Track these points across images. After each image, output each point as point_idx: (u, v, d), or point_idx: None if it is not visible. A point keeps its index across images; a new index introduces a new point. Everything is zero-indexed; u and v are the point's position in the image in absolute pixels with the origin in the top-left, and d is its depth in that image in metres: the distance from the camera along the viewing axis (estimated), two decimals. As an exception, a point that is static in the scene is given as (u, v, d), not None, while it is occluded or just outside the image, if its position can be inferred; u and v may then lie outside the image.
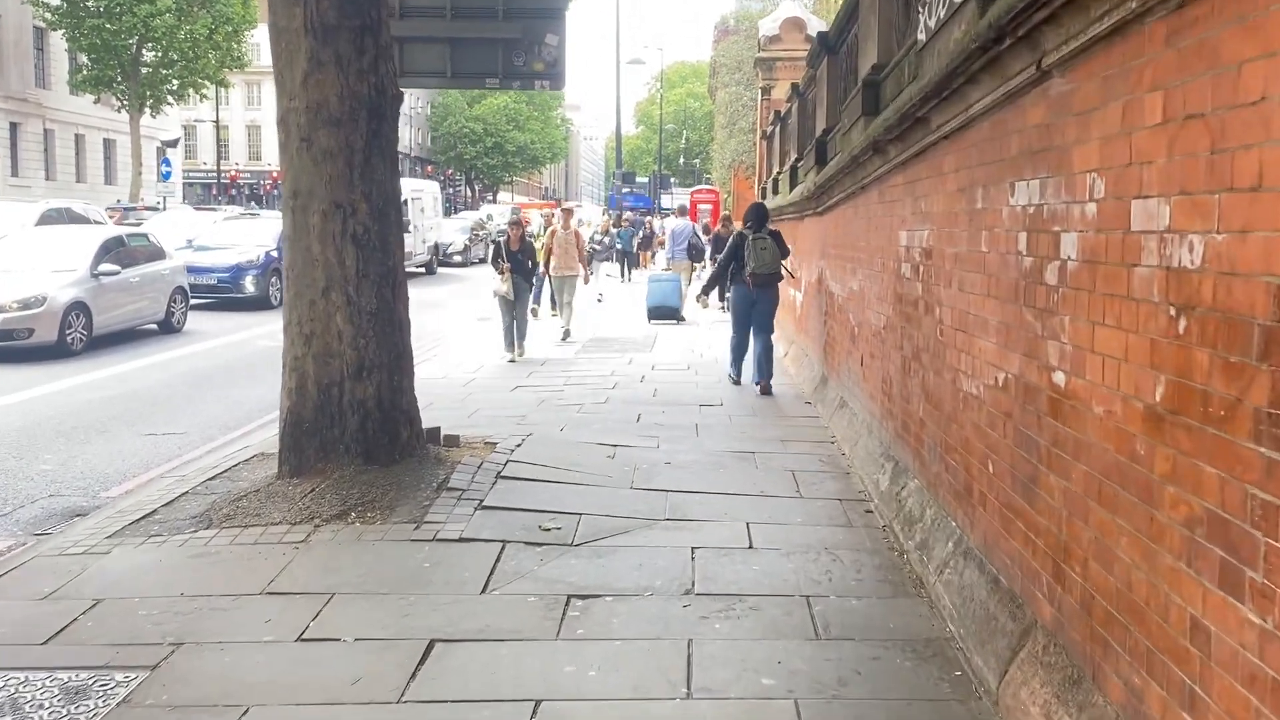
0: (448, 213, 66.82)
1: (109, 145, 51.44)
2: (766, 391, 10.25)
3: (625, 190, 34.96)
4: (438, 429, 7.35)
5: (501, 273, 12.66)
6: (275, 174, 73.08)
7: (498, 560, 5.29)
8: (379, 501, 6.08)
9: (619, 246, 26.22)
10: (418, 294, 25.23)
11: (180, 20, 44.47)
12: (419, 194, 30.56)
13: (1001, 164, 4.12)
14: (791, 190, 11.99)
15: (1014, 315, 3.94)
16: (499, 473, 6.63)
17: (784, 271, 10.61)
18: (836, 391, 8.94)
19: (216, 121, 64.10)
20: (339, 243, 6.32)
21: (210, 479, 6.98)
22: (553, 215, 18.19)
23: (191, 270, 18.95)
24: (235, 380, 12.01)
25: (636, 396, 10.13)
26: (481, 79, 9.26)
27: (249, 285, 19.92)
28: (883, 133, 5.87)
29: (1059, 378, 3.46)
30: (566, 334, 14.96)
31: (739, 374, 10.84)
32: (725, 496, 6.43)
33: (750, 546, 5.53)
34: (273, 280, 20.29)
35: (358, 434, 6.43)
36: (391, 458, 6.50)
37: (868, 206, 7.44)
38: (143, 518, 6.14)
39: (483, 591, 4.92)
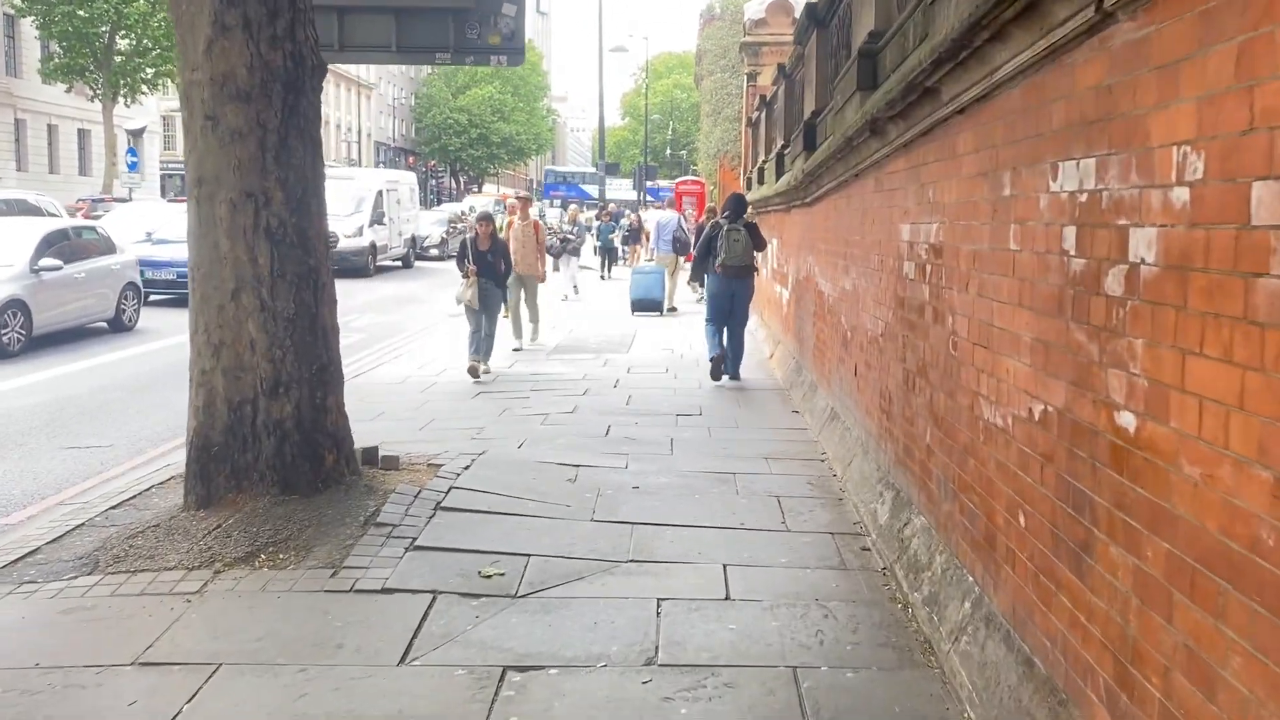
0: (433, 205, 65.92)
1: (83, 136, 50.17)
2: (734, 376, 10.56)
3: (559, 182, 34.24)
4: (375, 449, 6.47)
5: (466, 276, 10.76)
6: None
7: (425, 617, 4.42)
8: (294, 540, 5.20)
9: (598, 242, 25.22)
10: (393, 288, 24.08)
11: (154, 7, 43.33)
12: (395, 185, 29.60)
13: (1038, 140, 3.27)
14: (778, 179, 11.12)
15: (1057, 332, 3.09)
16: (439, 503, 5.75)
17: (756, 264, 10.75)
18: (827, 401, 8.09)
19: (194, 111, 62.78)
20: (250, 238, 5.42)
21: (114, 507, 6.08)
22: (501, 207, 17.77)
23: (149, 265, 18.02)
24: (181, 384, 10.87)
25: (608, 405, 9.26)
26: (430, 53, 8.39)
27: (210, 280, 18.93)
28: (883, 108, 5.01)
29: (1127, 420, 2.60)
30: (534, 336, 13.51)
31: (720, 368, 10.45)
32: (699, 530, 5.57)
33: (727, 597, 4.67)
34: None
35: (274, 459, 5.55)
36: (314, 486, 5.62)
37: (863, 196, 6.58)
38: (21, 558, 5.25)
39: (401, 661, 4.05)
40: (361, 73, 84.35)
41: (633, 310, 17.29)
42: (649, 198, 39.30)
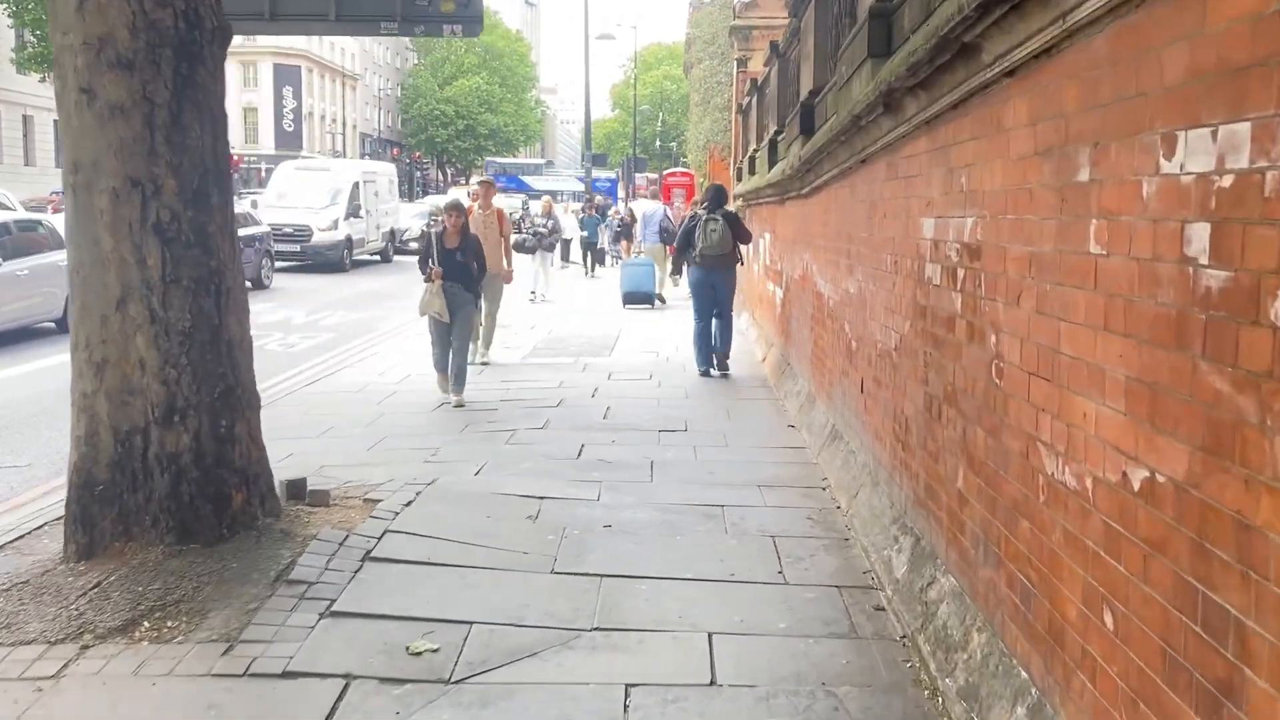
0: (419, 197, 64.71)
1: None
2: (723, 368, 10.49)
3: (499, 174, 33.28)
4: (302, 482, 5.54)
5: (430, 279, 8.83)
6: (237, 157, 70.89)
7: (332, 712, 3.50)
8: (186, 602, 4.27)
9: (583, 234, 24.19)
10: (368, 284, 22.99)
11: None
12: (372, 177, 28.57)
13: (1138, 103, 2.35)
14: (770, 169, 10.19)
15: (1174, 372, 2.18)
16: (368, 552, 4.81)
17: (739, 255, 10.69)
18: (827, 417, 7.19)
19: (173, 102, 61.66)
20: (137, 234, 4.49)
21: (-8, 550, 5.15)
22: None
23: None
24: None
25: (584, 418, 8.33)
26: (375, 23, 7.42)
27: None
28: (902, 75, 4.09)
29: (1317, 520, 1.70)
30: (484, 352, 11.16)
31: (706, 365, 10.49)
32: (681, 584, 4.66)
33: (712, 682, 3.75)
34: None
35: (169, 500, 4.62)
36: (217, 533, 4.69)
37: (871, 185, 5.67)
38: None
39: (291, 784, 3.13)
40: (346, 63, 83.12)
41: (624, 303, 17.16)
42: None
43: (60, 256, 14.41)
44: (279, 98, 75.84)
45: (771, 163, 9.98)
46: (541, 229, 18.05)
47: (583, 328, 14.68)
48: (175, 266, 4.53)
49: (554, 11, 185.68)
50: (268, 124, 75.80)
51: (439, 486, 5.99)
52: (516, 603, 4.38)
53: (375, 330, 15.57)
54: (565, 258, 26.06)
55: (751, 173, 12.92)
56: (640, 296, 17.16)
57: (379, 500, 5.56)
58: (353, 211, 26.59)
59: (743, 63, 19.14)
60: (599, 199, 32.00)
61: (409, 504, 5.53)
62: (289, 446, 7.32)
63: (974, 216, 3.65)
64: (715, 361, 10.49)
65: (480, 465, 6.66)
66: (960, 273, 3.82)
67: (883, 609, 4.44)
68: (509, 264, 11.13)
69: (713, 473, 6.61)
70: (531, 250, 17.90)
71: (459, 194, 58.45)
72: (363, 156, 77.22)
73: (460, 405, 8.80)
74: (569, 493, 6.02)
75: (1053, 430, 2.89)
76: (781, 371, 9.91)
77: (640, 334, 14.04)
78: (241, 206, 24.96)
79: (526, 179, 57.20)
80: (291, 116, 76.29)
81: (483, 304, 10.38)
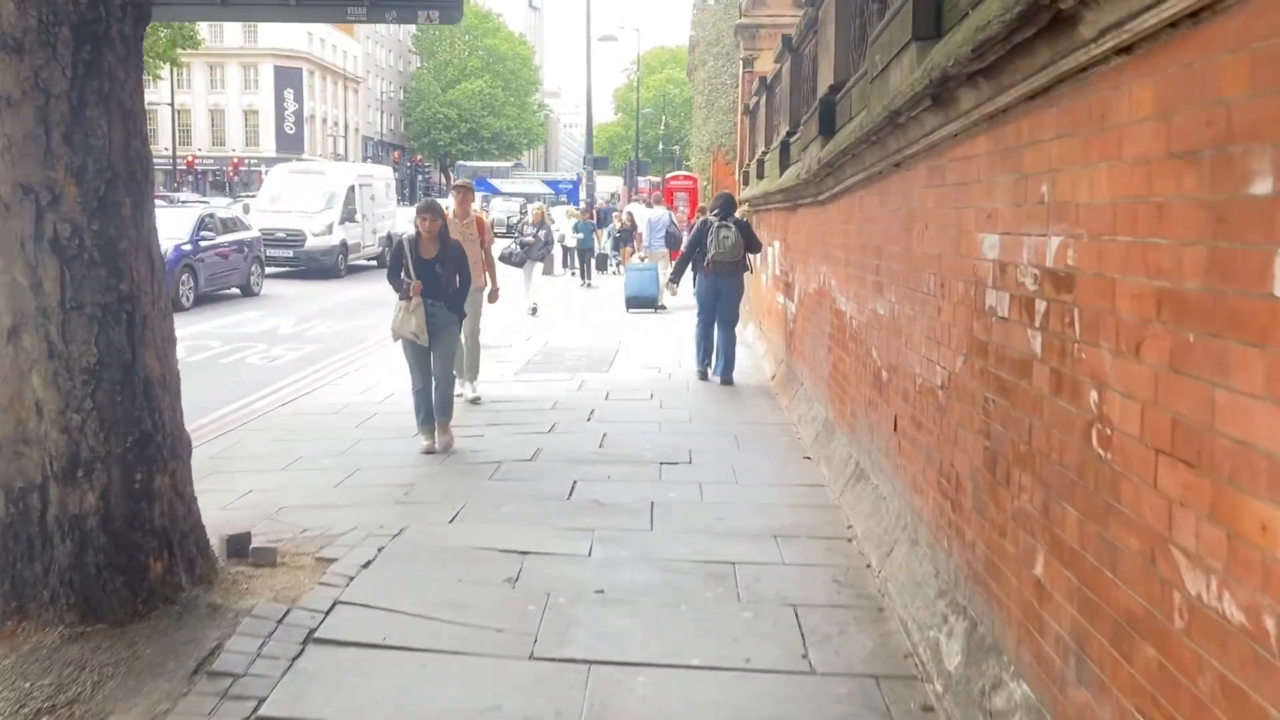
0: (420, 200, 63.45)
1: (56, 128, 48.29)
2: (727, 382, 10.35)
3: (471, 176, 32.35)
4: (245, 537, 4.76)
5: (405, 296, 7.46)
6: (237, 160, 70.14)
7: None
8: (82, 703, 3.48)
9: (580, 237, 23.32)
10: (362, 290, 22.07)
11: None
12: (369, 180, 27.83)
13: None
14: (781, 173, 9.40)
15: None
16: (312, 631, 4.02)
17: (748, 263, 10.82)
18: (850, 451, 6.40)
19: (173, 104, 61.05)
20: (31, 252, 3.71)
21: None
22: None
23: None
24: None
25: (577, 447, 7.54)
26: (340, 9, 6.65)
27: (153, 284, 17.16)
28: (965, 59, 3.29)
29: None
30: (472, 385, 9.60)
31: (706, 367, 10.57)
32: (687, 675, 3.86)
33: (726, 825, 2.97)
34: (183, 278, 17.64)
35: (71, 572, 3.84)
36: (130, 609, 3.91)
37: (906, 192, 4.89)
38: None
39: None
40: (348, 65, 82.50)
41: (627, 307, 17.33)
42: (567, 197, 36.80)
43: None
44: (280, 100, 75.20)
45: (783, 166, 9.20)
46: (530, 239, 16.85)
47: (581, 339, 13.91)
48: (77, 290, 3.75)
49: (558, 15, 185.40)
50: (268, 127, 75.15)
51: (406, 539, 5.20)
52: (486, 702, 3.59)
53: (365, 341, 14.79)
54: (563, 264, 25.23)
55: (760, 177, 12.13)
56: (644, 300, 17.35)
57: (334, 559, 4.77)
58: (348, 216, 25.85)
59: (749, 63, 18.35)
60: (600, 203, 31.26)
61: (368, 564, 4.74)
62: (250, 481, 6.57)
63: (1062, 236, 2.87)
64: (717, 373, 10.45)
65: (457, 509, 5.87)
66: (1040, 306, 3.03)
67: (931, 709, 3.65)
68: (493, 281, 9.53)
69: (722, 518, 5.82)
70: (520, 263, 16.62)
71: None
72: (365, 159, 76.56)
73: (448, 448, 7.45)
74: (556, 546, 5.23)
75: (1200, 536, 2.10)
76: (793, 391, 9.12)
77: (641, 346, 13.27)
78: (233, 211, 24.25)
79: (495, 182, 56.18)
80: (293, 119, 75.66)
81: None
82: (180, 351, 12.45)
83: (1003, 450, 3.39)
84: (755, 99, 13.74)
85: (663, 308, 17.28)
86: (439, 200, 8.62)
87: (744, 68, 18.65)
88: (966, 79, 3.50)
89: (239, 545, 4.68)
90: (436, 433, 7.54)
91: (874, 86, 5.04)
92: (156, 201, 18.26)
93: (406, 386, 9.29)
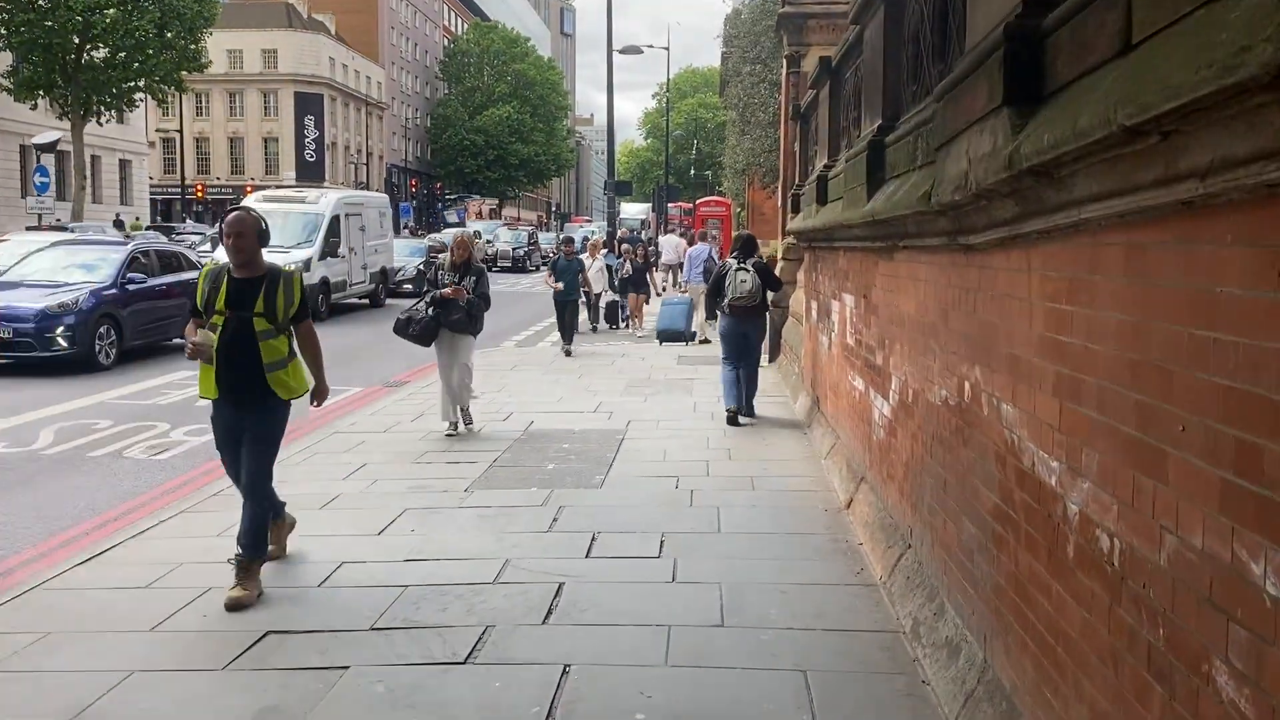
0: (440, 229, 60.45)
1: (61, 158, 45.74)
2: (748, 413, 10.34)
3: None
4: None
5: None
6: (250, 187, 67.45)
7: None
8: None
9: (560, 286, 16.27)
10: (342, 338, 18.32)
11: (129, 14, 39.02)
12: (356, 208, 24.51)
13: None
14: (870, 196, 5.67)
15: None
16: None
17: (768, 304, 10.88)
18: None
19: (181, 131, 58.57)
20: None
21: None
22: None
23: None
24: None
25: (513, 707, 3.99)
26: None
27: (60, 340, 13.87)
28: None
29: None
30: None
31: (735, 404, 10.18)
32: None
33: None
34: (101, 331, 14.34)
35: None
36: None
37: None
38: None
39: None
40: (372, 91, 79.97)
41: (659, 340, 17.41)
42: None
43: None
44: (300, 127, 72.79)
45: (874, 181, 5.57)
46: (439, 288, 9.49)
47: (576, 417, 10.38)
48: None
49: (589, 42, 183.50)
50: (288, 154, 72.70)
51: None
52: None
53: (308, 414, 11.39)
54: (594, 318, 20.08)
55: (821, 200, 8.55)
56: (673, 335, 17.40)
57: None
58: (330, 250, 22.59)
59: (794, 61, 14.84)
60: (622, 232, 27.81)
61: None
62: None
63: None
64: (743, 413, 10.22)
65: None
66: None
67: None
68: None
69: None
70: (421, 336, 9.46)
71: (475, 226, 54.10)
72: (391, 188, 73.82)
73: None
74: None
75: None
76: (894, 552, 5.48)
77: (654, 429, 9.70)
78: (174, 245, 21.00)
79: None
80: (313, 146, 73.21)
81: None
82: (48, 436, 8.34)
83: None
84: (812, 92, 10.11)
85: (705, 341, 16.78)
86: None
87: (788, 67, 15.12)
88: None
89: None
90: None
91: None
92: (73, 234, 14.37)
93: (355, 489, 5.82)
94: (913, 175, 4.66)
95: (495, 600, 5.19)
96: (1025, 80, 2.87)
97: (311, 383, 5.75)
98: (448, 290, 9.35)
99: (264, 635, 4.81)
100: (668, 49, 45.98)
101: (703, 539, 6.27)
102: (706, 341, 16.72)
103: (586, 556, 5.94)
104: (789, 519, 6.76)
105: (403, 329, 9.51)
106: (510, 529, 6.50)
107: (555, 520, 6.70)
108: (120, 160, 54.76)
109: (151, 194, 60.07)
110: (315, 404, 5.91)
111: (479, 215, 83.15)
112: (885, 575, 5.42)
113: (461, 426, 9.70)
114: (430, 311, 9.42)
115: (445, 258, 10.01)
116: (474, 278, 9.50)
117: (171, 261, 16.90)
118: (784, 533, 6.46)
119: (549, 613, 5.01)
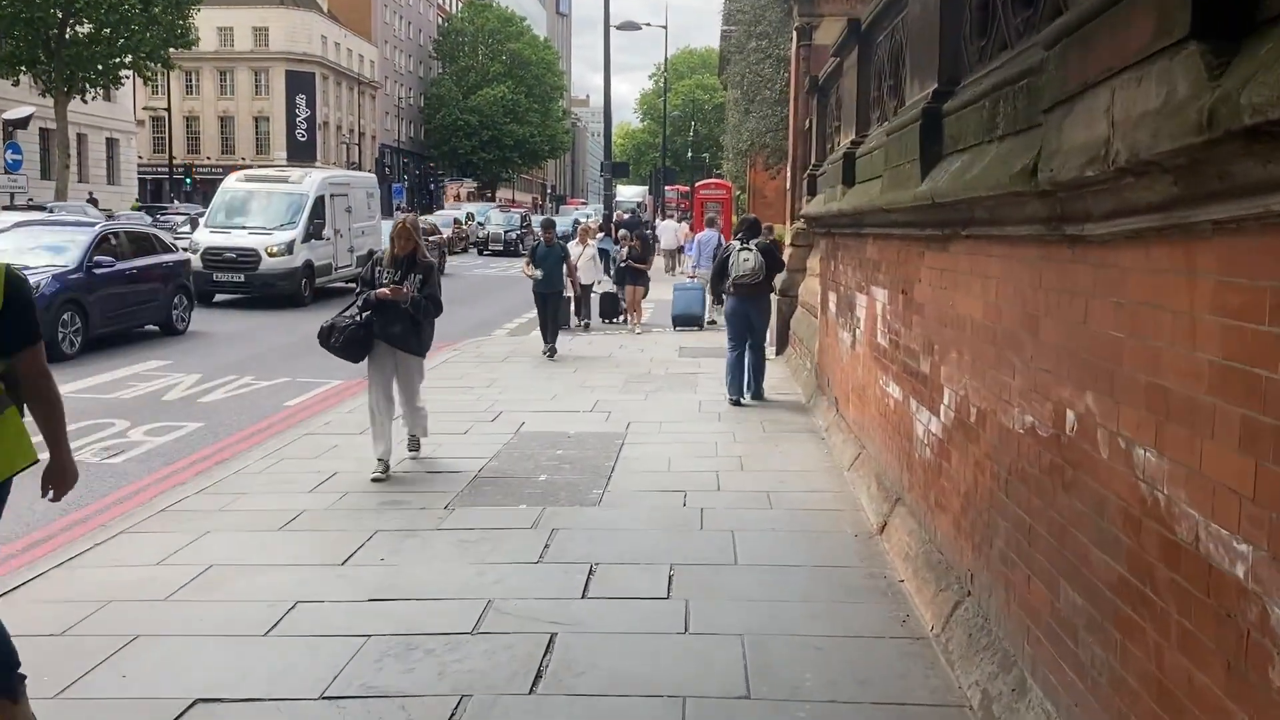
0: (435, 211, 59.04)
1: (46, 135, 44.56)
2: (757, 395, 10.54)
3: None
4: None
5: None
6: (240, 167, 66.19)
7: None
8: None
9: (539, 274, 14.00)
10: (312, 326, 17.43)
11: (110, -12, 37.97)
12: (342, 189, 23.52)
13: None
14: (928, 171, 4.75)
15: None
16: None
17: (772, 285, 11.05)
18: None
19: (169, 109, 57.42)
20: None
21: None
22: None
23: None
24: None
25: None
26: None
27: (18, 327, 12.90)
28: None
29: None
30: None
31: (738, 394, 10.38)
32: None
33: None
34: (65, 318, 13.40)
35: None
36: None
37: None
38: None
39: None
40: (365, 70, 78.60)
41: (674, 325, 17.43)
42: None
43: None
44: (291, 106, 71.42)
45: (926, 160, 4.69)
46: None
47: (570, 419, 9.49)
48: None
49: (585, 23, 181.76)
50: (280, 134, 71.37)
51: None
52: None
53: (281, 409, 10.52)
54: (578, 312, 17.50)
55: (848, 181, 7.65)
56: (688, 319, 17.44)
57: None
58: (314, 232, 21.61)
59: (805, 34, 13.89)
60: (619, 215, 26.86)
61: None
62: None
63: None
64: (749, 391, 10.51)
65: None
66: None
67: None
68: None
69: None
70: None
71: (468, 208, 52.85)
72: (382, 169, 72.54)
73: None
74: None
75: None
76: (948, 598, 4.62)
77: (659, 436, 8.81)
78: (148, 227, 20.00)
79: None
80: (305, 126, 71.87)
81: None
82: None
83: None
84: (835, 61, 9.17)
85: (713, 323, 17.14)
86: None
87: (798, 40, 14.16)
88: None
89: None
90: None
91: None
92: (39, 216, 12.81)
93: (256, 551, 4.90)
94: (992, 148, 3.75)
95: (474, 658, 4.32)
96: (1225, 2, 1.98)
97: (38, 455, 3.54)
98: (385, 290, 7.24)
99: (192, 704, 3.95)
100: (665, 27, 44.83)
101: (718, 573, 5.40)
102: (714, 323, 17.05)
103: (583, 596, 5.07)
104: (815, 547, 5.89)
105: (324, 338, 7.32)
106: (494, 558, 5.63)
107: (547, 547, 5.83)
108: (108, 139, 53.58)
109: (140, 174, 58.82)
110: (49, 495, 3.66)
111: (458, 197, 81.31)
112: (938, 627, 4.55)
113: (404, 456, 7.91)
114: (361, 317, 7.27)
115: (385, 250, 7.77)
116: (419, 275, 7.36)
117: (144, 244, 15.96)
118: (811, 565, 5.59)
119: (537, 677, 4.14)
